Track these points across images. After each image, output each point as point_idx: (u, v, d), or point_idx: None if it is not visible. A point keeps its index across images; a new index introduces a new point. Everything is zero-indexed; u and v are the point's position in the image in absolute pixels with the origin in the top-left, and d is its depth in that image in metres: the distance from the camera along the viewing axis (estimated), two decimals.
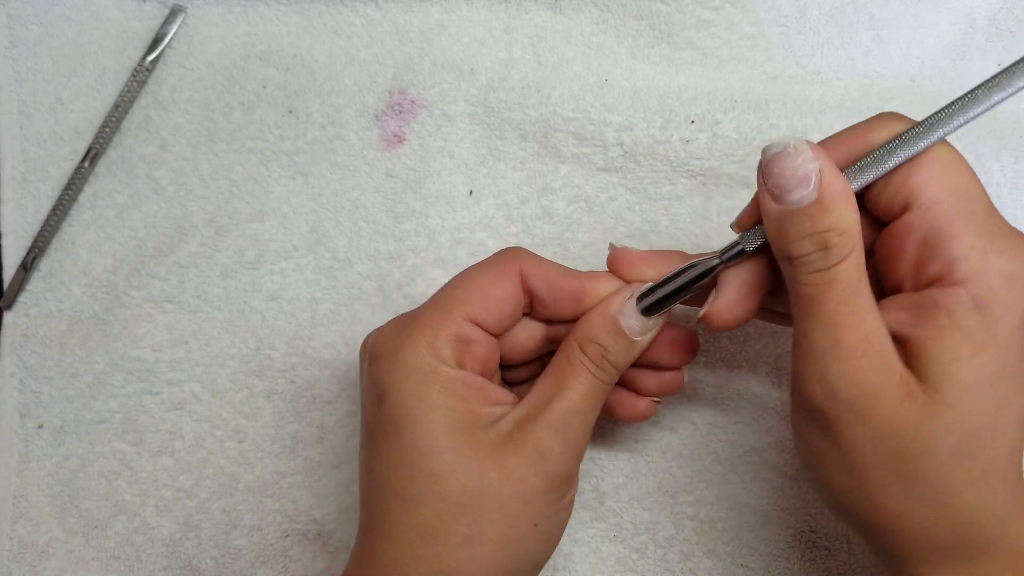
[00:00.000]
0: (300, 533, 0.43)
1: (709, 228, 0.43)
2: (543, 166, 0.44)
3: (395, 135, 0.45)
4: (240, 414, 0.44)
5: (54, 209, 0.45)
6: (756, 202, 0.31)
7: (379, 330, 0.35)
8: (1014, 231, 0.29)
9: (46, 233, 0.45)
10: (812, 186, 0.28)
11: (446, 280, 0.44)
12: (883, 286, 0.32)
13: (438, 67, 0.45)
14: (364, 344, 0.36)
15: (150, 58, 0.45)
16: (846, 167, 0.30)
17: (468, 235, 0.44)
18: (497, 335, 0.35)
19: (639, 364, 0.35)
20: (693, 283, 0.33)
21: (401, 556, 0.32)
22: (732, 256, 0.32)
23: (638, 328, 0.34)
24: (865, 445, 0.29)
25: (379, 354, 0.34)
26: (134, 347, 0.44)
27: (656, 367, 0.36)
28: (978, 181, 0.30)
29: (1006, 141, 0.43)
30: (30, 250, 0.45)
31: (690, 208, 0.43)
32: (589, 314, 0.34)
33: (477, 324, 0.34)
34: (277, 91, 0.45)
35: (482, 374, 0.35)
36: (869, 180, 0.30)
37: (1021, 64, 0.29)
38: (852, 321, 0.29)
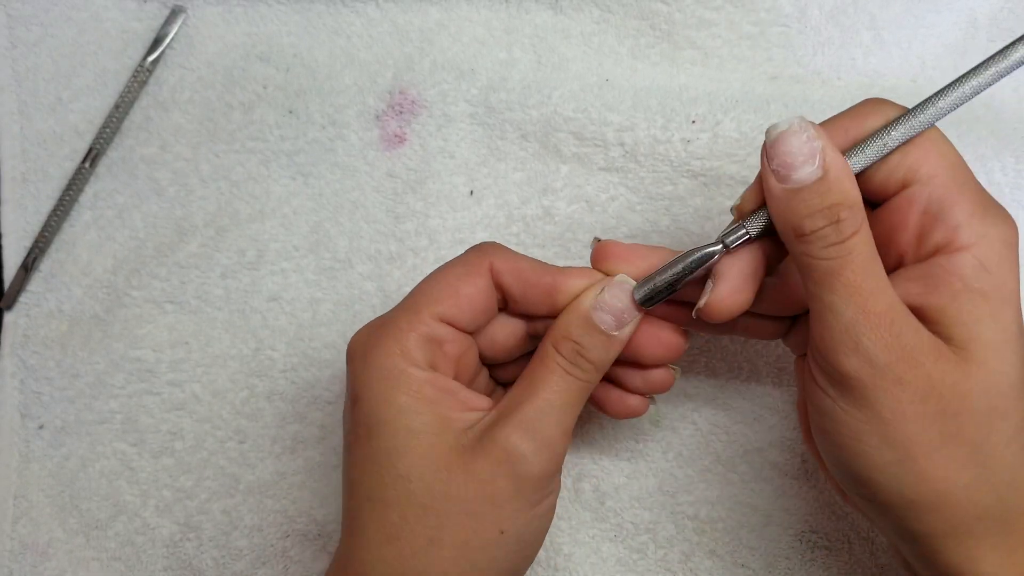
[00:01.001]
0: (300, 534, 0.43)
1: (710, 228, 0.43)
2: (544, 166, 0.44)
3: (396, 135, 0.45)
4: (241, 415, 0.44)
5: (55, 209, 0.45)
6: (758, 186, 0.31)
7: (356, 333, 0.34)
8: (999, 204, 0.31)
9: (47, 234, 0.45)
10: (817, 163, 0.29)
11: None
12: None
13: (438, 67, 0.45)
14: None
15: (151, 58, 0.45)
16: (844, 151, 0.31)
17: (469, 235, 0.44)
18: (472, 333, 0.35)
19: (623, 361, 0.35)
20: (691, 271, 0.33)
21: (369, 556, 0.32)
22: (735, 241, 0.32)
23: (613, 323, 0.33)
24: (906, 410, 0.29)
25: (352, 357, 0.34)
26: (135, 347, 0.44)
27: (639, 365, 0.36)
28: (964, 162, 0.31)
29: (1007, 141, 0.43)
30: (31, 251, 0.45)
31: (691, 208, 0.43)
32: (563, 312, 0.34)
33: (448, 323, 0.34)
34: (277, 91, 0.45)
35: (458, 374, 0.35)
36: (870, 161, 0.31)
37: (1011, 47, 0.30)
38: (876, 290, 0.29)
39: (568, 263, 0.43)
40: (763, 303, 0.34)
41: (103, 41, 0.46)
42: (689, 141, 0.43)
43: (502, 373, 0.38)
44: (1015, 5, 0.45)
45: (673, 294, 0.33)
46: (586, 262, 0.43)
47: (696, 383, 0.43)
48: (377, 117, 0.45)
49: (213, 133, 0.45)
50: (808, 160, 0.29)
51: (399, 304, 0.35)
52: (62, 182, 0.45)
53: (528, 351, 0.36)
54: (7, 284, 0.45)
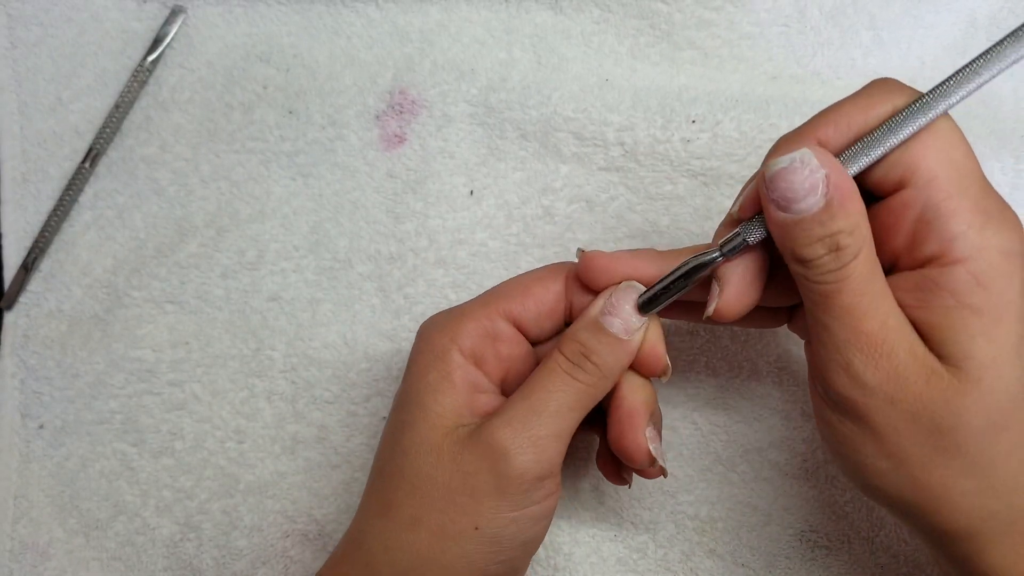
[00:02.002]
0: (300, 533, 0.43)
1: (710, 228, 0.43)
2: (544, 166, 0.44)
3: (395, 135, 0.45)
4: (240, 415, 0.44)
5: (55, 210, 0.45)
6: (755, 192, 0.31)
7: (431, 316, 0.36)
8: (1006, 205, 0.29)
9: (47, 234, 0.45)
10: (820, 193, 0.28)
11: (447, 280, 0.44)
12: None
13: (438, 67, 0.45)
14: None
15: (150, 58, 0.45)
16: (849, 144, 0.30)
17: (469, 235, 0.44)
18: (535, 340, 0.35)
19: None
20: (691, 276, 0.32)
21: (366, 526, 0.33)
22: (733, 249, 0.32)
23: (621, 326, 0.33)
24: (899, 427, 0.29)
25: (418, 334, 0.35)
26: (135, 348, 0.44)
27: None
28: (973, 155, 0.29)
29: (1007, 141, 0.43)
30: (31, 251, 0.45)
31: (691, 208, 0.43)
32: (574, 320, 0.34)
33: (514, 321, 0.34)
34: (277, 92, 0.45)
35: (505, 379, 0.35)
36: (873, 160, 0.29)
37: (1020, 32, 0.29)
38: (869, 310, 0.29)
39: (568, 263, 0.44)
40: (766, 295, 0.33)
41: (103, 41, 0.46)
42: (689, 141, 0.43)
43: None
44: (1015, 5, 0.45)
45: (675, 299, 0.33)
46: None
47: (696, 383, 0.43)
48: (377, 117, 0.45)
49: (213, 133, 0.45)
50: (811, 192, 0.28)
51: (474, 298, 0.36)
52: (62, 182, 0.45)
53: None
54: (7, 284, 0.45)
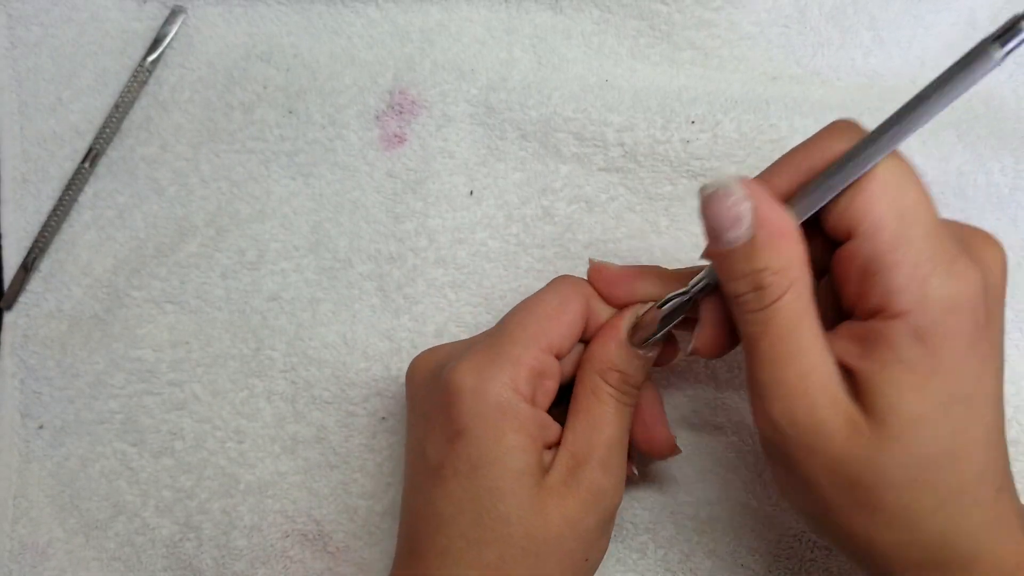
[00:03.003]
0: (300, 533, 0.43)
1: None
2: (544, 166, 0.44)
3: (395, 135, 0.45)
4: (240, 414, 0.44)
5: (55, 209, 0.45)
6: None
7: (456, 365, 0.33)
8: (960, 253, 0.28)
9: (47, 234, 0.45)
10: (745, 226, 0.28)
11: (447, 280, 0.44)
12: (840, 307, 0.31)
13: (439, 67, 0.45)
14: (417, 372, 0.36)
15: (151, 58, 0.45)
16: (803, 186, 0.29)
17: (469, 235, 0.44)
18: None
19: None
20: (670, 321, 0.33)
21: None
22: (700, 291, 0.32)
23: (641, 343, 0.34)
24: (820, 478, 0.29)
25: (460, 390, 0.33)
26: (135, 347, 0.44)
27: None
28: (926, 198, 0.28)
29: (1006, 141, 0.43)
30: (31, 251, 0.45)
31: (690, 208, 0.43)
32: (601, 342, 0.34)
33: (553, 354, 0.34)
34: (277, 91, 0.45)
35: (548, 407, 0.35)
36: (817, 206, 0.29)
37: (968, 59, 0.28)
38: (791, 359, 0.28)
39: (567, 264, 0.44)
40: None
41: (103, 41, 0.46)
42: (688, 141, 0.43)
43: None
44: (1015, 5, 0.45)
45: (665, 333, 0.34)
46: (585, 262, 0.43)
47: (695, 384, 0.43)
48: (377, 117, 0.45)
49: (213, 133, 0.45)
50: (734, 224, 0.28)
51: (499, 334, 0.34)
52: (62, 182, 0.45)
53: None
54: (7, 284, 0.45)
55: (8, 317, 0.45)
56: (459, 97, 0.45)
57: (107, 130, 0.45)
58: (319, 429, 0.44)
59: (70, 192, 0.45)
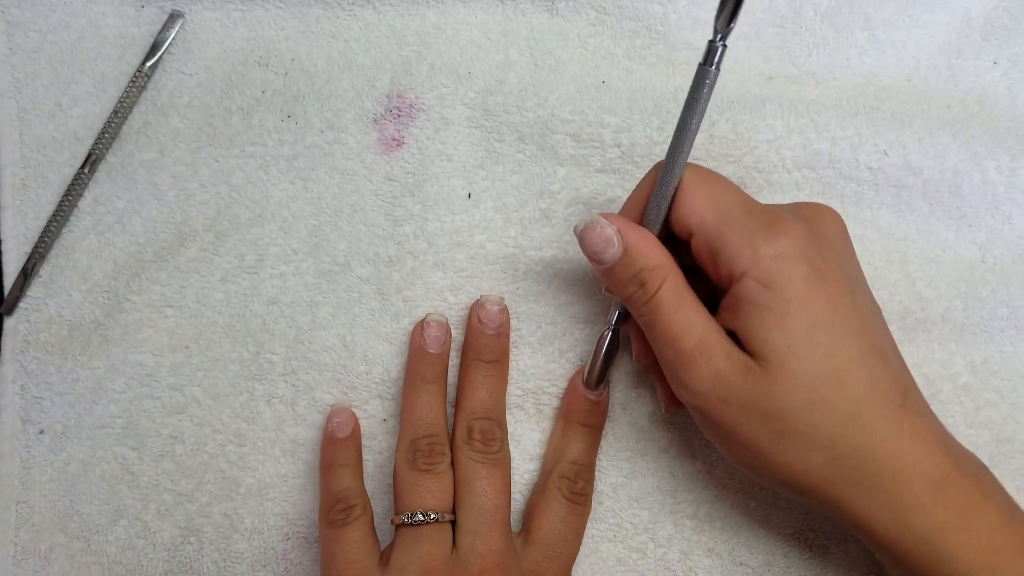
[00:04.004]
0: (301, 536, 0.43)
1: None
2: (541, 168, 0.44)
3: (393, 138, 0.45)
4: (240, 418, 0.44)
5: (54, 215, 0.45)
6: None
7: None
8: (777, 217, 0.34)
9: (46, 239, 0.45)
10: (616, 244, 0.35)
11: (446, 283, 0.44)
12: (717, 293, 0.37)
13: (436, 70, 0.45)
14: None
15: (149, 63, 0.45)
16: (644, 210, 0.37)
17: (467, 238, 0.44)
18: None
19: None
20: (612, 350, 0.41)
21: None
22: (619, 319, 0.40)
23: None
24: (740, 420, 0.34)
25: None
26: (135, 352, 0.44)
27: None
28: (733, 189, 0.36)
29: (1001, 140, 0.43)
30: (30, 256, 0.45)
31: None
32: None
33: None
34: (276, 96, 0.45)
35: None
36: (659, 220, 0.36)
37: (697, 79, 0.34)
38: (684, 332, 0.34)
39: (566, 265, 0.44)
40: None
41: (101, 47, 0.46)
42: None
43: None
44: (1009, 4, 0.45)
45: (610, 365, 0.41)
46: (584, 262, 0.43)
47: None
48: (375, 121, 0.45)
49: (212, 138, 0.45)
50: (607, 245, 0.35)
51: None
52: (61, 187, 0.45)
53: None
54: (7, 290, 0.45)
55: (8, 323, 0.45)
56: (456, 100, 0.45)
57: (106, 135, 0.45)
58: (320, 431, 0.44)
59: (69, 197, 0.45)
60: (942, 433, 0.35)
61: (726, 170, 0.43)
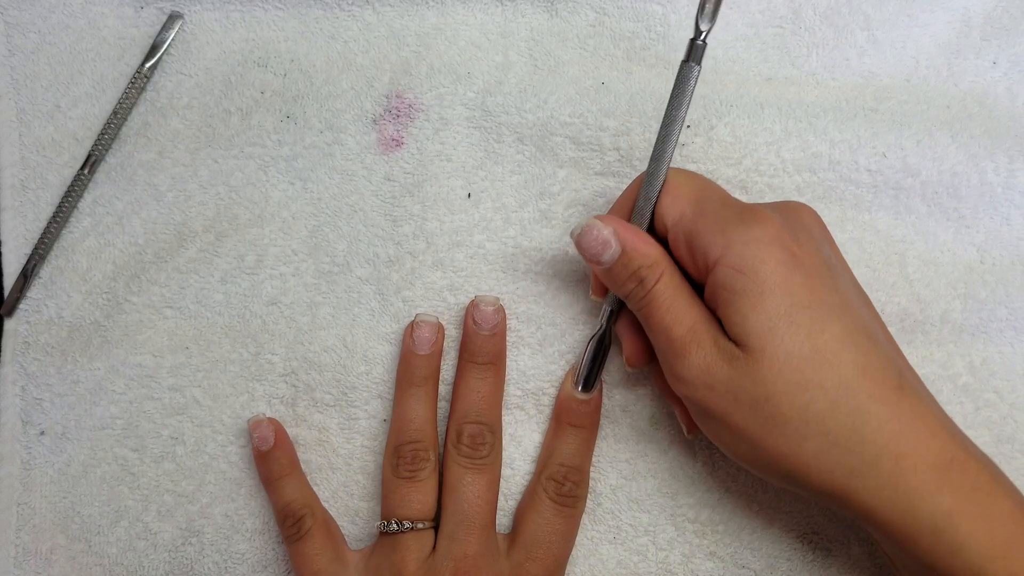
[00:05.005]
0: None
1: None
2: (541, 170, 0.44)
3: (393, 139, 0.45)
4: (241, 418, 0.44)
5: (54, 216, 0.45)
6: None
7: None
8: (745, 209, 0.35)
9: (46, 240, 0.45)
10: (613, 245, 0.36)
11: (445, 283, 0.44)
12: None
13: (435, 71, 0.45)
14: None
15: (148, 64, 0.45)
16: (632, 210, 0.38)
17: (466, 238, 0.44)
18: None
19: None
20: (602, 351, 0.41)
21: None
22: (608, 318, 0.41)
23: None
24: (729, 408, 0.34)
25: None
26: (135, 353, 0.44)
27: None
28: (708, 185, 0.37)
29: (1000, 141, 0.43)
30: (30, 257, 0.45)
31: None
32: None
33: None
34: (275, 96, 0.45)
35: None
36: (647, 217, 0.38)
37: (679, 77, 0.36)
38: (677, 322, 0.35)
39: (565, 266, 0.44)
40: None
41: (101, 48, 0.46)
42: (683, 145, 0.43)
43: None
44: (1008, 3, 0.45)
45: (601, 367, 0.42)
46: (583, 263, 0.43)
47: None
48: (374, 121, 0.45)
49: (211, 138, 0.45)
50: (604, 247, 0.36)
51: None
52: (61, 189, 0.45)
53: None
54: (7, 291, 0.45)
55: (8, 324, 0.45)
56: (455, 100, 0.45)
57: (105, 136, 0.45)
58: (320, 432, 0.44)
59: (69, 199, 0.45)
60: (944, 416, 0.34)
61: (725, 173, 0.43)
